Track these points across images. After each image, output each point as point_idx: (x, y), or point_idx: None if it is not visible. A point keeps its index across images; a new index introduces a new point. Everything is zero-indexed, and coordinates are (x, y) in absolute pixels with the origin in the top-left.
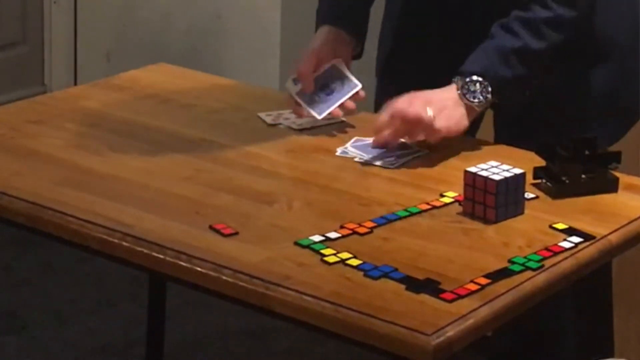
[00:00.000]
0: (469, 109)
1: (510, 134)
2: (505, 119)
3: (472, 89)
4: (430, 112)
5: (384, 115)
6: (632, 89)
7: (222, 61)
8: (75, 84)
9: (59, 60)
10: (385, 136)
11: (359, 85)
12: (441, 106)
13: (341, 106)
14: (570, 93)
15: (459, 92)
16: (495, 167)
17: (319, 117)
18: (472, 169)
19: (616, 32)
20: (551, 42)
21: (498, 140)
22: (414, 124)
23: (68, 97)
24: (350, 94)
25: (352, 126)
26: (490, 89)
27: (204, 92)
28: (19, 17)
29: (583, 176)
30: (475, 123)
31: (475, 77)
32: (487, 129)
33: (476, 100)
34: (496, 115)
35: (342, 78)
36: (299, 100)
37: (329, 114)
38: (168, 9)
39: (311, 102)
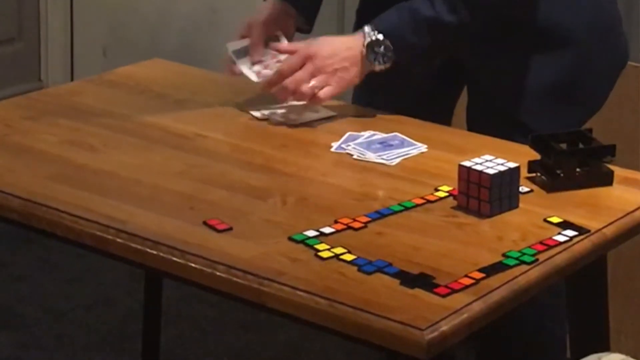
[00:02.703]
0: (366, 67)
1: (479, 123)
2: (477, 108)
3: (375, 50)
4: (312, 83)
5: (275, 73)
6: (591, 80)
7: (217, 56)
8: (72, 79)
9: (55, 56)
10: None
11: None
12: (334, 69)
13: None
14: (524, 79)
15: (363, 50)
16: (490, 161)
17: (255, 80)
18: (467, 163)
19: (573, 24)
20: (463, 20)
21: (470, 128)
22: (295, 92)
23: (62, 93)
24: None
25: (346, 122)
26: (392, 50)
27: (198, 88)
28: (15, 13)
29: (578, 169)
30: (448, 111)
31: (381, 37)
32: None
33: (377, 62)
34: (469, 103)
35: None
36: (240, 65)
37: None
38: (164, 3)
39: (251, 66)
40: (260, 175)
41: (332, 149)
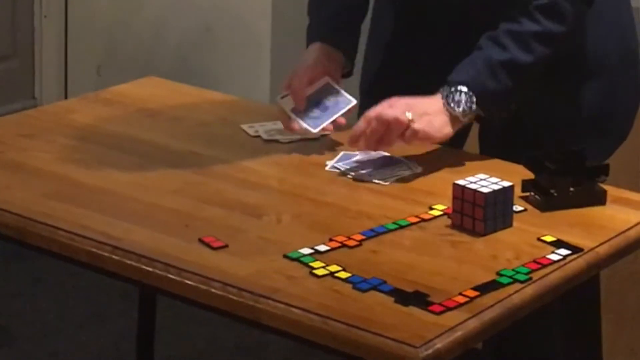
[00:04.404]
0: (453, 118)
1: (495, 149)
2: (491, 134)
3: (456, 98)
4: (409, 115)
5: (360, 122)
6: (621, 108)
7: (212, 74)
8: (66, 97)
9: (49, 74)
10: (362, 141)
11: (354, 102)
12: (422, 112)
13: (333, 122)
14: (558, 110)
15: (443, 100)
16: (484, 180)
17: (314, 131)
18: (461, 182)
19: (605, 51)
20: (539, 56)
21: (483, 154)
22: (391, 125)
23: (58, 111)
24: (344, 110)
25: (340, 140)
26: (475, 99)
27: (193, 106)
28: (9, 31)
29: (571, 189)
30: (461, 136)
31: (460, 87)
32: (473, 142)
33: (460, 109)
34: (482, 129)
35: (336, 94)
36: (292, 115)
37: (323, 129)
38: (158, 22)
39: (305, 118)
40: (255, 193)
41: (327, 168)
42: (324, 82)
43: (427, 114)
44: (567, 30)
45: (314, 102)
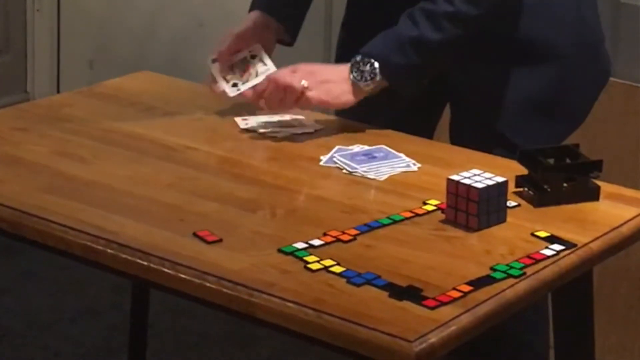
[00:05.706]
0: (355, 87)
1: (461, 137)
2: (460, 123)
3: (361, 68)
4: (304, 83)
5: (263, 82)
6: (573, 97)
7: (204, 69)
8: (58, 91)
9: (41, 68)
10: (263, 101)
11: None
12: (323, 79)
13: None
14: (506, 96)
15: (349, 69)
16: (478, 175)
17: (231, 95)
18: (455, 177)
19: (557, 40)
20: (449, 36)
21: (453, 142)
22: (285, 92)
23: (52, 105)
24: (263, 78)
25: (335, 135)
26: (378, 71)
27: (186, 100)
28: (2, 25)
29: (565, 184)
30: (431, 125)
31: (367, 59)
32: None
33: (362, 80)
34: (452, 117)
35: (262, 63)
36: (218, 79)
37: (240, 95)
38: (151, 17)
39: (228, 82)
40: (249, 188)
41: (321, 162)
42: (255, 49)
43: (328, 81)
44: (483, 13)
45: (241, 68)
